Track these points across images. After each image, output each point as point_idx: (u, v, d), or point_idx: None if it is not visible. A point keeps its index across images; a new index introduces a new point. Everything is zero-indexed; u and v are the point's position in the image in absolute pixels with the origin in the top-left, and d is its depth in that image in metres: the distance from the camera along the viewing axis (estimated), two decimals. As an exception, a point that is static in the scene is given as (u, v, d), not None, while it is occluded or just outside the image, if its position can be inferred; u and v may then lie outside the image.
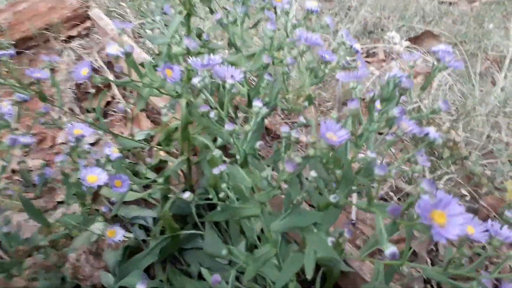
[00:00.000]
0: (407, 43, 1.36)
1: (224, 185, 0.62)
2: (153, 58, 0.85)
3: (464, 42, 1.63)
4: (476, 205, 1.03)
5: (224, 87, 0.52)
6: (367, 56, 1.56)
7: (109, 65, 1.55)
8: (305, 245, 0.66)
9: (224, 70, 0.52)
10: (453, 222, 0.43)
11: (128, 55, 0.67)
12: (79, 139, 0.68)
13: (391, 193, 1.12)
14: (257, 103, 0.52)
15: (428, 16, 1.74)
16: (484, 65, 1.51)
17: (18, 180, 1.25)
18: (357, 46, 0.70)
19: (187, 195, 0.60)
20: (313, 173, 0.53)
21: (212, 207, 1.19)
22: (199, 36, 0.78)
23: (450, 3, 1.85)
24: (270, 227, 0.57)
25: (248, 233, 0.87)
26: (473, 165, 0.92)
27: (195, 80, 0.53)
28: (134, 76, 0.77)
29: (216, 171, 0.59)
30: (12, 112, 0.67)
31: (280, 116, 1.28)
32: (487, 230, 0.54)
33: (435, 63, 0.59)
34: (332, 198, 0.52)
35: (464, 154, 0.97)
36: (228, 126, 0.51)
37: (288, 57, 0.64)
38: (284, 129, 0.57)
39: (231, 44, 0.71)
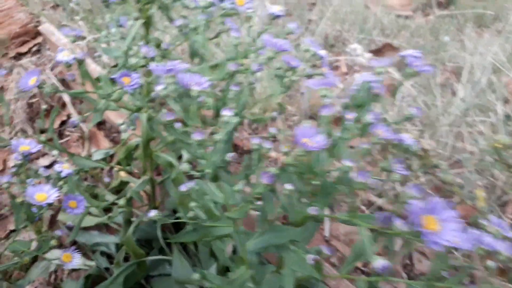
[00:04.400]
0: (370, 55, 1.37)
1: (193, 204, 0.57)
2: (108, 72, 0.80)
3: (422, 54, 1.66)
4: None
5: (189, 95, 0.48)
6: (309, 76, 1.55)
7: (63, 82, 1.47)
8: (282, 264, 0.62)
9: (188, 78, 0.48)
10: (446, 227, 0.41)
11: (80, 62, 0.62)
12: (26, 156, 0.62)
13: (363, 207, 1.10)
14: (226, 112, 0.48)
15: (387, 28, 1.76)
16: (443, 76, 1.54)
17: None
18: (322, 52, 0.68)
19: (152, 213, 0.55)
20: (288, 186, 0.49)
21: (179, 229, 1.13)
22: (158, 46, 0.73)
23: (407, 17, 1.89)
24: (245, 247, 0.53)
25: (220, 255, 0.82)
26: (443, 174, 0.91)
27: (158, 88, 0.48)
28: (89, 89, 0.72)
29: (183, 188, 0.54)
30: None
31: (246, 131, 1.24)
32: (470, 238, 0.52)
33: (397, 74, 0.58)
34: (312, 210, 0.49)
35: (435, 163, 0.96)
36: (197, 135, 0.47)
37: (254, 63, 0.60)
38: (254, 141, 0.53)
39: (193, 55, 0.67)
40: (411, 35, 1.76)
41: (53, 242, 0.66)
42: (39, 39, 1.56)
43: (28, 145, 0.63)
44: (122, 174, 1.11)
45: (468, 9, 1.89)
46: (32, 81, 0.60)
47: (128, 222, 0.98)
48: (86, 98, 0.66)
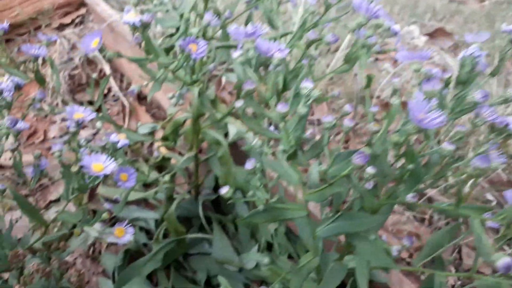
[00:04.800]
0: (425, 38, 1.30)
1: (254, 183, 0.53)
2: (162, 42, 0.76)
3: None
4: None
5: (267, 64, 0.44)
6: (378, 53, 1.49)
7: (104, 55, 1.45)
8: (345, 253, 0.58)
9: (267, 44, 0.44)
10: None
11: (145, 26, 0.58)
12: (80, 123, 0.59)
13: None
14: (307, 83, 0.44)
15: (439, 13, 1.68)
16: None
17: (7, 177, 1.15)
18: (397, 27, 0.63)
19: (224, 190, 0.51)
20: (370, 170, 0.45)
21: (219, 207, 1.11)
22: (218, 15, 0.69)
23: (460, 2, 1.79)
24: (316, 232, 0.49)
25: (266, 237, 0.79)
26: None
27: (236, 54, 0.44)
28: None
29: (249, 165, 0.50)
30: (12, 89, 0.57)
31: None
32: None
33: (451, 61, 0.52)
34: (409, 197, 0.44)
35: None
36: (281, 107, 0.42)
37: (329, 34, 0.56)
38: (327, 119, 0.49)
39: (269, 22, 0.62)
40: (465, 21, 1.67)
41: (106, 215, 0.64)
42: (82, 11, 1.54)
43: (82, 112, 0.60)
44: (163, 150, 1.09)
45: (527, -5, 1.78)
46: (95, 43, 0.57)
47: (170, 199, 0.96)
48: (143, 68, 0.63)
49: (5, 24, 0.63)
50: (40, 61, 0.82)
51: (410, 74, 1.26)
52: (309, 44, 0.55)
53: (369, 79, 0.52)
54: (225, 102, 1.28)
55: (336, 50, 1.38)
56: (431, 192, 1.04)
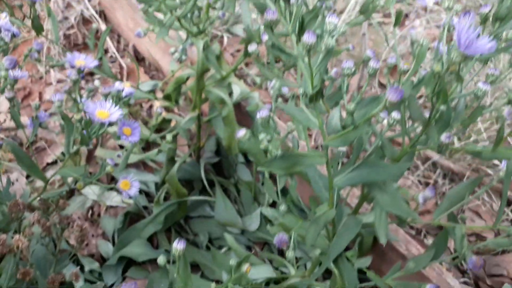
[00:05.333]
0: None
1: (263, 136, 0.51)
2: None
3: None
4: None
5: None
6: (384, 16, 1.44)
7: (101, 14, 1.40)
8: (359, 206, 0.56)
9: None
10: None
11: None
12: (82, 71, 0.56)
13: (418, 161, 1.03)
14: (331, 19, 0.41)
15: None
16: None
17: (2, 139, 1.12)
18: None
19: (242, 132, 0.48)
20: (395, 114, 0.43)
21: (220, 170, 1.09)
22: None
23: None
24: (333, 182, 0.47)
25: (270, 192, 0.77)
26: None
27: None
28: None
29: (262, 113, 0.47)
30: (10, 28, 0.54)
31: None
32: None
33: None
34: (444, 138, 0.42)
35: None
36: (309, 37, 0.38)
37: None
38: (346, 65, 0.46)
39: None
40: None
41: (109, 169, 0.61)
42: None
43: (84, 60, 0.57)
44: (164, 113, 1.06)
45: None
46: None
47: (171, 160, 0.94)
48: (149, 15, 0.59)
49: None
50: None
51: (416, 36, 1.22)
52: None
53: (399, 15, 0.48)
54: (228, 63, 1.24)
55: (341, 12, 1.34)
56: (435, 157, 1.02)
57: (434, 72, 0.38)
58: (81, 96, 0.57)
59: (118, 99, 0.54)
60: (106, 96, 0.55)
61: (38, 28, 0.62)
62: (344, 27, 0.62)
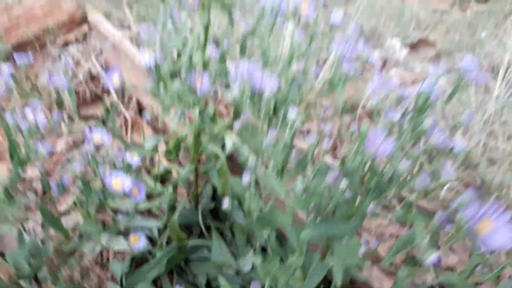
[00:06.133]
0: (406, 51, 1.39)
1: (249, 195, 0.62)
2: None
3: (458, 51, 1.67)
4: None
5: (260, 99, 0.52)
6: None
7: (107, 71, 1.53)
8: (326, 254, 0.67)
9: (261, 80, 0.52)
10: (499, 230, 0.44)
11: (157, 67, 0.67)
12: (98, 147, 0.68)
13: (394, 202, 1.14)
14: (291, 115, 0.52)
15: (423, 23, 1.76)
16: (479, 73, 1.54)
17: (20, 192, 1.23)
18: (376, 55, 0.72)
19: (225, 203, 0.60)
20: (344, 183, 0.54)
21: (216, 216, 1.20)
22: (217, 45, 0.78)
23: (444, 11, 1.88)
24: (300, 236, 0.58)
25: (260, 241, 0.88)
26: (482, 172, 0.94)
27: (233, 91, 0.53)
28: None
29: (246, 178, 0.59)
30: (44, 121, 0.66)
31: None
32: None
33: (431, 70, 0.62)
34: (372, 207, 0.53)
35: (477, 162, 0.99)
36: (273, 132, 0.51)
37: (313, 67, 0.65)
38: (310, 139, 0.58)
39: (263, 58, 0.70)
40: (447, 31, 1.76)
41: (121, 226, 0.72)
42: (85, 28, 1.62)
43: (100, 136, 0.69)
44: (165, 162, 1.18)
45: (507, 5, 1.87)
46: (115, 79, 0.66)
47: (172, 208, 1.05)
48: (155, 95, 0.71)
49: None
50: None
51: (396, 82, 1.34)
52: (293, 77, 0.63)
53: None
54: (221, 115, 1.36)
55: (325, 61, 1.47)
56: (411, 197, 1.13)
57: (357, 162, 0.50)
58: (97, 165, 0.69)
59: (129, 169, 0.66)
60: (113, 164, 0.67)
61: (59, 104, 0.74)
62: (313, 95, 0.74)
